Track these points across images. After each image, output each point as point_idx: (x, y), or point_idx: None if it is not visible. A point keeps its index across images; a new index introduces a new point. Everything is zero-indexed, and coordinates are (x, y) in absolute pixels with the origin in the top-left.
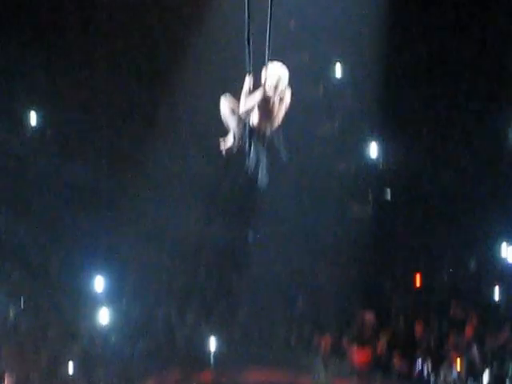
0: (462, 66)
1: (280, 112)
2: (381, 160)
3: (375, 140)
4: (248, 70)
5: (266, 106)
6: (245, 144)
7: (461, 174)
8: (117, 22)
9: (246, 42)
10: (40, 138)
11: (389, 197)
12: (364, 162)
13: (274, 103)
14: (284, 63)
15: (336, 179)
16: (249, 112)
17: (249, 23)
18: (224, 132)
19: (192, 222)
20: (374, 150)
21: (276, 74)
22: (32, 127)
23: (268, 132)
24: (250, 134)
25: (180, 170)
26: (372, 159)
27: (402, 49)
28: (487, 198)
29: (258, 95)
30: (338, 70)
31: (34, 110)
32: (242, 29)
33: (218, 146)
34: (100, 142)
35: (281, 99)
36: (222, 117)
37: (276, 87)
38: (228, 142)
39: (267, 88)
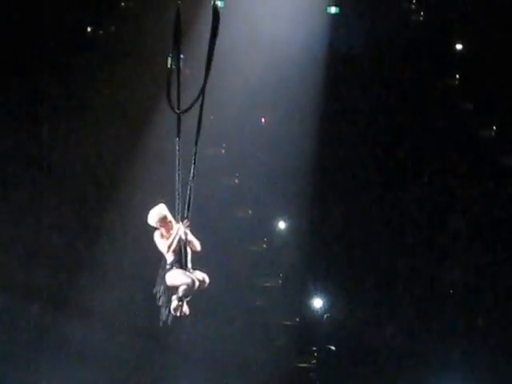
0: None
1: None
2: (325, 313)
3: (319, 293)
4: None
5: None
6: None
7: (406, 328)
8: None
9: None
10: None
11: (333, 348)
12: (308, 314)
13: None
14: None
15: (280, 332)
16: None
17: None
18: None
19: None
20: (318, 302)
21: (157, 214)
22: None
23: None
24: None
25: None
26: (317, 311)
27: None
28: (430, 351)
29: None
30: (282, 225)
31: None
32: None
33: None
34: None
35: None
36: None
37: (162, 224)
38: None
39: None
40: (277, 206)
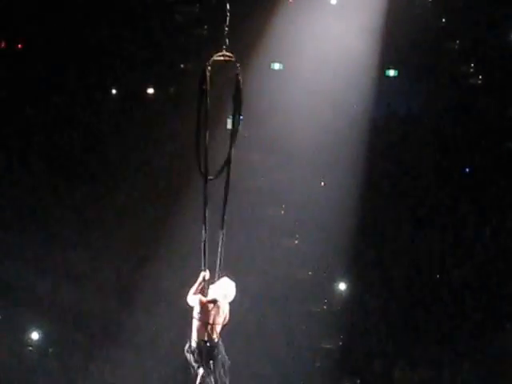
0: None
1: (218, 320)
2: (385, 374)
3: (379, 354)
4: (203, 267)
5: (206, 310)
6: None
7: None
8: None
9: (202, 244)
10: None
11: None
12: (368, 377)
13: (213, 311)
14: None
15: None
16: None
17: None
18: None
19: None
20: (378, 364)
21: (222, 291)
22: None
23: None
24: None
25: None
26: (377, 373)
27: None
28: None
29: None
30: (342, 286)
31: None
32: None
33: None
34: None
35: (219, 308)
36: None
37: (215, 302)
38: None
39: (209, 298)
40: (337, 267)
